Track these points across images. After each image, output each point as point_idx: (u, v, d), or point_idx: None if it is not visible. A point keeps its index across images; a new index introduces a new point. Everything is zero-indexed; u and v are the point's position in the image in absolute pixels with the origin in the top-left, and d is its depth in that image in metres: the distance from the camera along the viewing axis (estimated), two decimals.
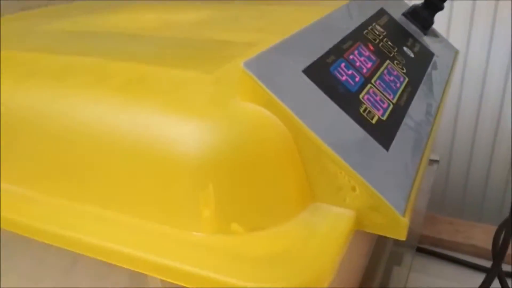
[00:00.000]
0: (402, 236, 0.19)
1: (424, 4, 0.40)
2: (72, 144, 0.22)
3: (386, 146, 0.23)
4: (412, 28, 0.39)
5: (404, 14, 0.40)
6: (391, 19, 0.37)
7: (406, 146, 0.24)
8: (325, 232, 0.19)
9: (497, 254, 0.39)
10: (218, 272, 0.17)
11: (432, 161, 0.55)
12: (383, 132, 0.23)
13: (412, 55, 0.34)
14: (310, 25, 0.29)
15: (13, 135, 0.24)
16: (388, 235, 0.20)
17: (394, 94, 0.28)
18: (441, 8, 0.40)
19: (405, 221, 0.19)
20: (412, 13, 0.40)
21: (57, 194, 0.23)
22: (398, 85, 0.29)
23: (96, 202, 0.22)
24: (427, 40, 0.39)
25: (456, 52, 0.43)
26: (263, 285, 0.16)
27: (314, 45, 0.26)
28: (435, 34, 0.43)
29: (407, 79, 0.30)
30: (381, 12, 0.37)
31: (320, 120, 0.21)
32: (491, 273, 0.38)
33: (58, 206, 0.22)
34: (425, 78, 0.33)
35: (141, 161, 0.20)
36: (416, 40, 0.37)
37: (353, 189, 0.20)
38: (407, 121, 0.26)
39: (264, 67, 0.21)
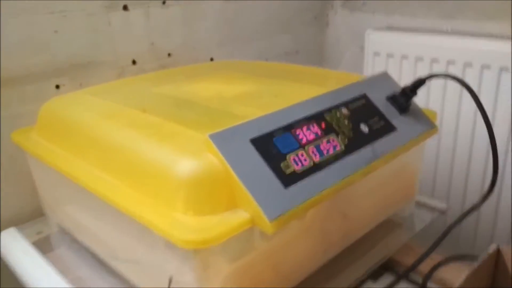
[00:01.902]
0: (268, 229, 0.38)
1: (400, 93, 0.55)
2: (111, 146, 0.45)
3: (286, 186, 0.41)
4: (391, 109, 0.55)
5: (386, 98, 0.56)
6: (366, 103, 0.54)
7: (302, 190, 0.42)
8: (231, 220, 0.39)
9: None
10: (173, 227, 0.38)
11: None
12: (291, 179, 0.42)
13: (366, 130, 0.51)
14: (291, 105, 0.48)
15: (89, 136, 0.48)
16: (264, 229, 0.39)
17: (322, 156, 0.45)
18: (413, 96, 0.55)
19: (268, 223, 0.38)
20: (392, 98, 0.56)
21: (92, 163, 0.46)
22: (330, 151, 0.46)
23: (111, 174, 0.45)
24: (401, 118, 0.55)
25: (433, 127, 0.57)
26: (188, 236, 0.37)
27: (277, 121, 0.46)
28: (416, 114, 0.57)
29: (343, 148, 0.47)
30: (359, 98, 0.54)
31: (246, 169, 0.40)
32: None
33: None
34: (367, 146, 0.49)
35: (150, 169, 0.42)
36: (383, 119, 0.53)
37: (252, 205, 0.39)
38: (317, 175, 0.43)
39: (221, 137, 0.41)
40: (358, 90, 0.55)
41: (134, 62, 0.81)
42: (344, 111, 0.51)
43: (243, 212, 0.40)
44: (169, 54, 0.85)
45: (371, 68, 0.94)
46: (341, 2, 1.10)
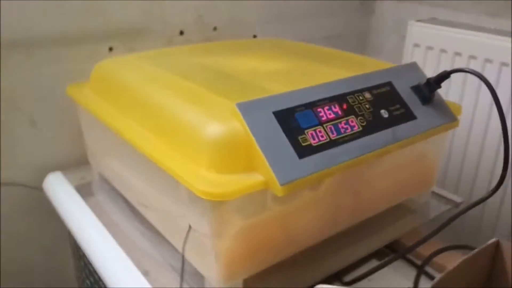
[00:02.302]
0: (279, 192, 0.43)
1: (424, 83, 0.58)
2: (151, 106, 0.50)
3: (301, 157, 0.45)
4: (414, 98, 0.58)
5: (411, 88, 0.59)
6: (390, 91, 0.57)
7: (315, 162, 0.46)
8: (247, 180, 0.44)
9: None
10: (196, 180, 0.43)
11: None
12: (306, 151, 0.46)
13: (386, 115, 0.54)
14: (317, 85, 0.52)
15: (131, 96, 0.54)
16: (274, 192, 0.43)
17: (338, 134, 0.49)
18: (438, 88, 0.58)
19: (279, 187, 0.42)
20: (416, 88, 0.59)
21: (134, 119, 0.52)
22: (348, 131, 0.50)
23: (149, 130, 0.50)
24: (423, 108, 0.58)
25: (453, 120, 0.59)
26: (207, 188, 0.42)
27: (301, 98, 0.50)
28: (439, 106, 0.59)
29: (360, 129, 0.51)
30: (384, 84, 0.57)
31: (266, 138, 0.45)
32: None
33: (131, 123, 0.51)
34: (385, 130, 0.52)
35: (181, 127, 0.47)
36: (404, 107, 0.56)
37: (266, 170, 0.44)
38: (331, 151, 0.47)
39: (246, 107, 0.46)
40: (384, 77, 0.58)
41: (181, 32, 0.86)
42: (367, 95, 0.54)
43: (258, 175, 0.45)
44: (214, 28, 0.90)
45: (410, 59, 0.96)
46: None
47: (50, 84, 0.75)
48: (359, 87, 0.55)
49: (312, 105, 0.50)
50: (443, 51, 0.89)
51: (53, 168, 0.77)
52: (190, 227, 0.49)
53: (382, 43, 1.18)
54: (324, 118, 0.49)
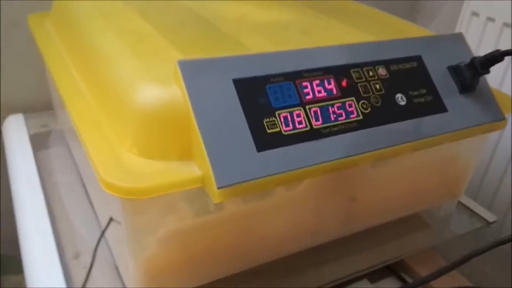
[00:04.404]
0: (213, 197, 0.29)
1: (467, 64, 0.42)
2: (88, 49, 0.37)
3: (260, 149, 0.32)
4: (449, 82, 0.42)
5: (448, 68, 0.43)
6: (416, 68, 0.41)
7: (279, 159, 0.32)
8: (176, 172, 0.31)
9: None
10: (106, 164, 0.31)
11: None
12: (270, 141, 0.32)
13: (403, 102, 0.39)
14: (311, 48, 0.37)
15: None
16: (210, 195, 0.30)
17: (326, 122, 0.35)
18: (484, 73, 0.42)
19: (215, 190, 0.29)
20: (455, 70, 0.43)
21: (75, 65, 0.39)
22: (341, 118, 0.36)
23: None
24: (459, 98, 0.42)
25: (500, 119, 0.43)
26: (113, 178, 0.29)
27: (282, 63, 0.35)
28: (482, 97, 0.43)
29: (360, 118, 0.36)
30: (410, 59, 0.41)
31: (213, 115, 0.31)
32: None
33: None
34: (396, 124, 0.38)
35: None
36: (432, 93, 0.41)
37: (204, 162, 0.30)
38: (309, 145, 0.33)
39: (194, 68, 0.32)
40: (412, 48, 0.42)
41: None
42: (381, 71, 0.39)
43: (195, 168, 0.31)
44: None
45: (465, 30, 0.77)
46: None
47: (13, 12, 0.63)
48: (372, 58, 0.39)
49: (295, 76, 0.35)
50: (506, 25, 0.70)
51: (18, 110, 0.66)
52: (111, 218, 0.37)
53: (437, 9, 0.98)
54: (309, 97, 0.35)
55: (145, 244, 0.35)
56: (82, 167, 0.50)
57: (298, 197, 0.39)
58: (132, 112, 0.32)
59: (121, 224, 0.36)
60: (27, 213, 0.48)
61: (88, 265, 0.44)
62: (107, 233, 0.42)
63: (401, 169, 0.45)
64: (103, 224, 0.44)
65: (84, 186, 0.53)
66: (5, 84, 0.67)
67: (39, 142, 0.60)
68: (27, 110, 0.67)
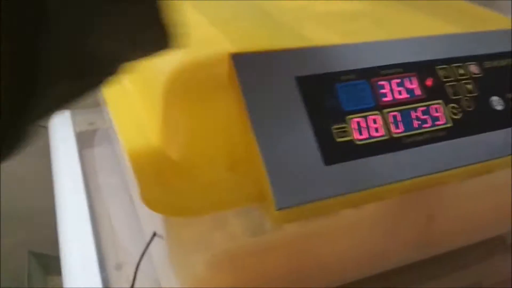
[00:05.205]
0: (271, 220, 0.24)
1: None
2: None
3: (329, 162, 0.26)
4: None
5: None
6: None
7: (353, 173, 0.26)
8: (230, 186, 0.26)
9: None
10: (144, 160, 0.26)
11: None
12: (341, 152, 0.27)
13: (500, 107, 0.32)
14: (389, 40, 0.31)
15: None
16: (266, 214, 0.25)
17: (408, 130, 0.29)
18: None
19: (274, 211, 0.24)
20: None
21: None
22: (427, 124, 0.29)
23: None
24: None
25: None
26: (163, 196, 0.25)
27: (353, 59, 0.30)
28: None
29: (449, 125, 0.30)
30: (507, 55, 0.34)
31: (273, 119, 0.26)
32: None
33: None
34: (493, 133, 0.31)
35: None
36: None
37: (261, 176, 0.25)
38: (388, 157, 0.27)
39: (251, 62, 0.27)
40: (509, 42, 0.35)
41: None
42: (473, 68, 0.33)
43: (249, 182, 0.26)
44: None
45: None
46: None
47: None
48: (461, 53, 0.33)
49: (370, 74, 0.29)
50: None
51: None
52: (154, 233, 0.33)
53: None
54: (387, 99, 0.29)
55: (191, 263, 0.31)
56: (126, 169, 0.47)
57: (368, 216, 0.33)
58: (178, 112, 0.28)
59: (164, 240, 0.31)
60: (69, 215, 0.45)
61: (130, 278, 0.41)
62: (151, 246, 0.38)
63: (490, 183, 0.38)
64: (147, 234, 0.40)
65: (128, 189, 0.49)
66: None
67: (85, 140, 0.58)
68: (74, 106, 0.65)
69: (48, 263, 0.66)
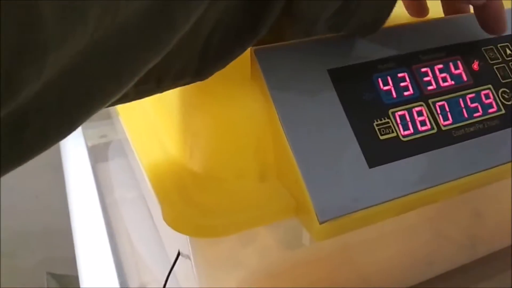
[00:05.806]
0: (313, 235, 0.21)
1: None
2: None
3: (373, 164, 0.23)
4: None
5: None
6: None
7: (401, 174, 0.23)
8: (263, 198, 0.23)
9: None
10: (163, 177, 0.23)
11: None
12: (386, 151, 0.23)
13: None
14: (427, 21, 0.28)
15: None
16: (306, 229, 0.22)
17: (457, 121, 0.25)
18: None
19: (317, 225, 0.21)
20: None
21: None
22: (478, 113, 0.26)
23: None
24: None
25: None
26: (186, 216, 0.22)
27: (390, 45, 0.26)
28: None
29: (502, 112, 0.26)
30: None
31: (306, 120, 0.23)
32: None
33: None
34: None
35: None
36: None
37: (298, 185, 0.22)
38: (438, 153, 0.24)
39: (276, 57, 0.24)
40: None
41: None
42: None
43: (284, 192, 0.23)
44: None
45: None
46: None
47: None
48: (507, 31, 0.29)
49: (410, 60, 0.26)
50: None
51: None
52: (178, 253, 0.30)
53: None
54: (431, 87, 0.26)
55: (221, 282, 0.28)
56: (143, 184, 0.44)
57: (414, 218, 0.29)
58: (198, 118, 0.25)
59: (190, 260, 0.28)
60: (85, 234, 0.43)
61: None
62: (175, 265, 0.35)
63: None
64: (170, 252, 0.38)
65: (147, 204, 0.46)
66: None
67: (97, 154, 0.55)
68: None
69: (68, 284, 0.63)
